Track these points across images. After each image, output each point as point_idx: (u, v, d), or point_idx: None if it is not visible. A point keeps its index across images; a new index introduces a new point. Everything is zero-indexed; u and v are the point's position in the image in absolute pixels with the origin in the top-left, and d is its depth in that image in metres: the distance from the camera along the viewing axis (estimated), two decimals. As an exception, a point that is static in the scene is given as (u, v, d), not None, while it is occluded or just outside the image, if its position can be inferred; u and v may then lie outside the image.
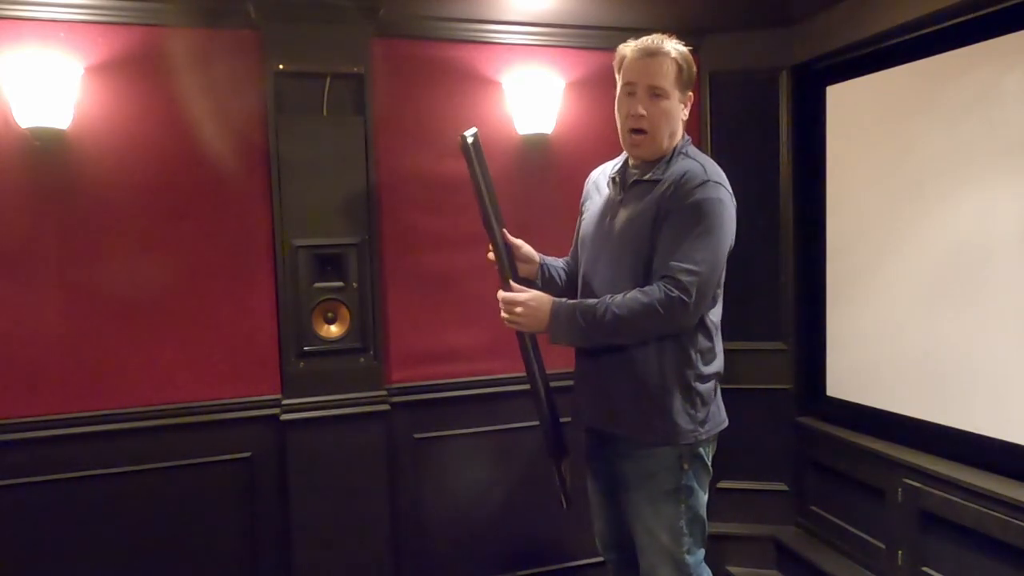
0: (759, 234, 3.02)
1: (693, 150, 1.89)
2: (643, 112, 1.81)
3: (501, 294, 1.89)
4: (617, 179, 1.94)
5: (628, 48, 1.85)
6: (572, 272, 2.12)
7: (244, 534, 2.71)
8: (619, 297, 1.77)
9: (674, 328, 1.79)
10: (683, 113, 1.86)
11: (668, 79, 1.81)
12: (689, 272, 1.72)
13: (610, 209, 1.92)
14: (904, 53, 2.64)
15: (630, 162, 1.93)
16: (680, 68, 1.81)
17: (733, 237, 1.84)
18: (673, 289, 1.72)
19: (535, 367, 1.97)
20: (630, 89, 1.84)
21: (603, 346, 1.88)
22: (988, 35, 2.34)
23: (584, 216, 2.06)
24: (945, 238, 2.52)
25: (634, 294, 1.76)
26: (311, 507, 2.67)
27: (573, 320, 1.80)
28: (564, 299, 1.86)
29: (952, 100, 2.47)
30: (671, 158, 1.85)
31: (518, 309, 1.84)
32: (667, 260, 1.75)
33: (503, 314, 1.88)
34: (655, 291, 1.73)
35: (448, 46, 2.86)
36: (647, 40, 1.84)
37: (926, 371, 2.61)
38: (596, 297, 1.85)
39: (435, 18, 2.82)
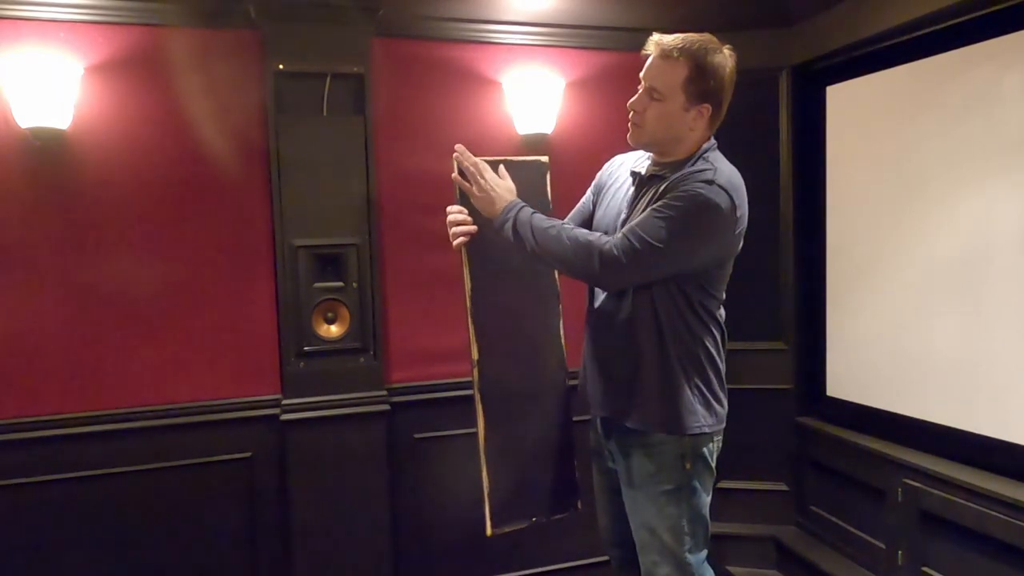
0: (759, 234, 3.01)
1: (715, 155, 1.84)
2: (638, 108, 1.82)
3: (474, 159, 1.87)
4: (636, 174, 1.92)
5: (652, 43, 1.81)
6: None
7: (244, 534, 2.71)
8: (570, 226, 1.84)
9: (594, 280, 1.85)
10: (693, 123, 1.80)
11: (670, 83, 1.76)
12: (641, 240, 1.70)
13: (626, 204, 1.91)
14: (904, 53, 2.64)
15: (651, 159, 1.91)
16: (690, 76, 1.75)
17: (719, 246, 1.79)
18: (618, 247, 1.72)
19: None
20: (640, 84, 1.83)
21: (610, 337, 1.88)
22: (988, 35, 2.34)
23: (602, 202, 2.03)
24: (945, 238, 2.52)
25: (584, 232, 1.81)
26: (311, 507, 2.67)
27: (520, 225, 1.82)
28: (524, 203, 1.87)
29: (952, 100, 2.48)
30: (692, 160, 1.82)
31: (483, 182, 1.85)
32: (633, 224, 1.74)
33: (463, 172, 1.86)
34: (603, 240, 1.76)
35: (448, 46, 2.86)
36: (676, 39, 1.78)
37: (926, 371, 2.61)
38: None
39: (435, 18, 2.82)
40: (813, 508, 3.12)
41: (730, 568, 3.16)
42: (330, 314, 2.69)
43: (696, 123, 1.80)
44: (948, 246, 2.51)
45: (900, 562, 2.62)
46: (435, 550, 2.94)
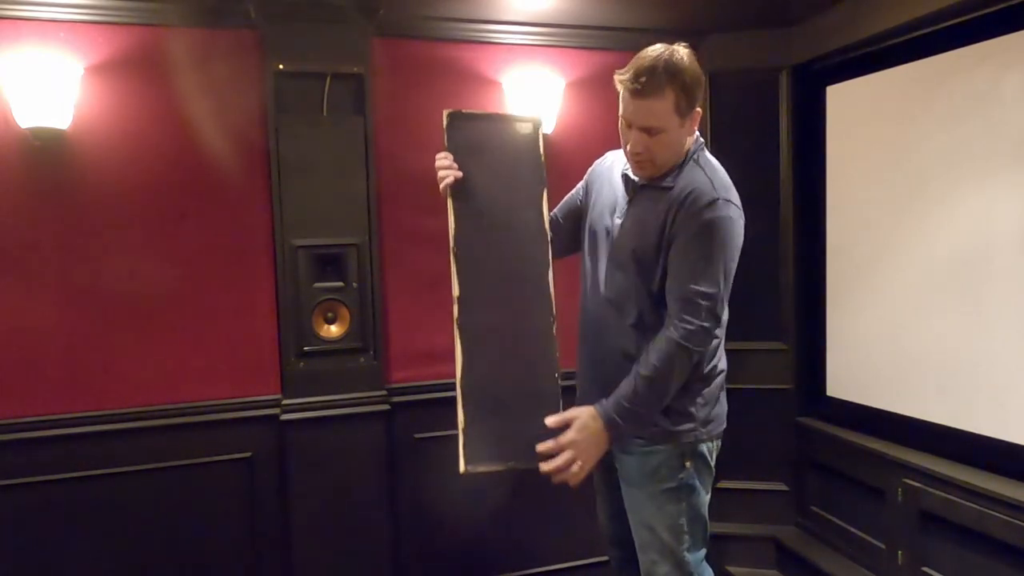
0: (759, 234, 3.01)
1: (704, 157, 1.85)
2: (640, 149, 1.78)
3: (549, 449, 1.76)
4: (629, 178, 1.91)
5: (621, 83, 1.76)
6: (561, 221, 2.09)
7: (244, 534, 2.71)
8: (644, 362, 1.76)
9: (703, 354, 1.81)
10: (690, 129, 1.82)
11: (663, 117, 1.74)
12: (707, 296, 1.73)
13: (618, 207, 1.91)
14: (904, 53, 2.64)
15: None
16: (676, 98, 1.73)
17: (739, 250, 1.84)
18: (693, 320, 1.72)
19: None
20: (627, 123, 1.79)
21: (604, 344, 1.89)
22: (988, 35, 2.34)
23: (593, 204, 2.02)
24: (945, 238, 2.52)
25: (657, 349, 1.75)
26: (311, 507, 2.67)
27: (626, 416, 1.77)
28: (603, 403, 1.80)
29: (952, 100, 2.48)
30: (683, 164, 1.83)
31: (573, 456, 1.74)
32: (684, 283, 1.74)
33: (556, 473, 1.75)
34: (673, 333, 1.73)
35: (448, 46, 2.86)
36: (641, 72, 1.71)
37: (926, 371, 2.61)
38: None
39: (435, 18, 2.82)
40: (813, 508, 3.12)
41: (730, 568, 3.16)
42: (330, 314, 2.69)
43: (691, 128, 1.83)
44: (948, 246, 2.51)
45: (900, 562, 2.62)
46: (435, 550, 2.94)
